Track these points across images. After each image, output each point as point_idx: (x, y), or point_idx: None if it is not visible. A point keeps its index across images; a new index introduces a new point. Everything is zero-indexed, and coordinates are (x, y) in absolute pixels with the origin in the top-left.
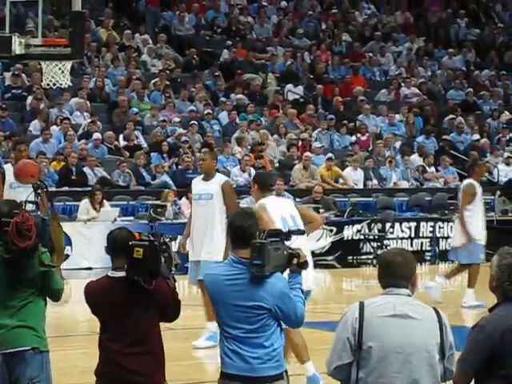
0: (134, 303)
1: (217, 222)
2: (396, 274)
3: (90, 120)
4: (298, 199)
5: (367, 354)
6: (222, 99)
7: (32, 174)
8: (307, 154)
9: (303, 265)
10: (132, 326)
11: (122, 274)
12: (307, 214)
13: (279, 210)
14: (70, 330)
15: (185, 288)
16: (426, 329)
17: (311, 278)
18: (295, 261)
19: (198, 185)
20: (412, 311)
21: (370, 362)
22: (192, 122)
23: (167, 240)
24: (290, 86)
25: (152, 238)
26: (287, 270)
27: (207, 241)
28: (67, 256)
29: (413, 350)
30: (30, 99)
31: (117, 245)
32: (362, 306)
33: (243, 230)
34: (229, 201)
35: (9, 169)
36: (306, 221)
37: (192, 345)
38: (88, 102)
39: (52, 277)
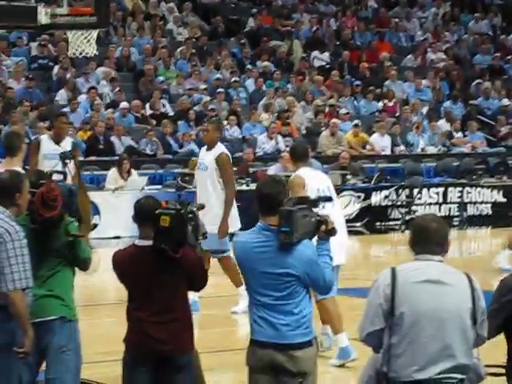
0: (160, 272)
1: (210, 194)
2: (430, 239)
3: (117, 89)
4: (325, 165)
5: (399, 319)
6: (248, 67)
7: None
8: (334, 120)
9: (331, 231)
10: (159, 294)
11: (148, 242)
12: None
13: (315, 182)
14: (99, 298)
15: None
16: (459, 294)
17: (344, 251)
18: (323, 227)
19: (201, 153)
20: (444, 277)
21: (402, 328)
22: (218, 89)
23: (194, 209)
24: (315, 53)
25: (179, 207)
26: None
27: (207, 212)
28: (95, 225)
29: (445, 315)
30: (56, 69)
31: (143, 213)
32: (394, 271)
33: (271, 198)
34: (222, 174)
35: (45, 140)
36: None
37: (232, 311)
38: (114, 71)
39: (79, 246)
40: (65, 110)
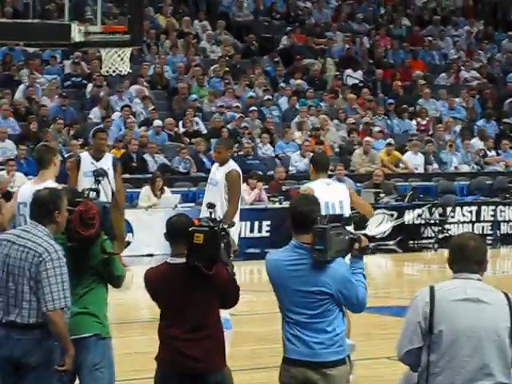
0: (193, 289)
1: (215, 210)
2: (469, 258)
3: (151, 107)
4: (358, 184)
5: (438, 337)
6: (282, 85)
7: None
8: (367, 138)
9: (365, 249)
10: (192, 312)
11: (181, 260)
12: (357, 202)
13: (325, 195)
14: (131, 316)
15: (245, 274)
16: (497, 313)
17: None
18: (357, 245)
19: (212, 169)
20: (483, 295)
21: (440, 346)
22: (251, 108)
23: (226, 226)
24: (349, 71)
25: (212, 224)
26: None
27: None
28: (128, 243)
29: (483, 333)
30: (89, 87)
31: (176, 231)
32: (432, 290)
33: (304, 216)
34: (229, 190)
35: (85, 157)
36: (356, 208)
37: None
38: (147, 89)
39: (113, 264)
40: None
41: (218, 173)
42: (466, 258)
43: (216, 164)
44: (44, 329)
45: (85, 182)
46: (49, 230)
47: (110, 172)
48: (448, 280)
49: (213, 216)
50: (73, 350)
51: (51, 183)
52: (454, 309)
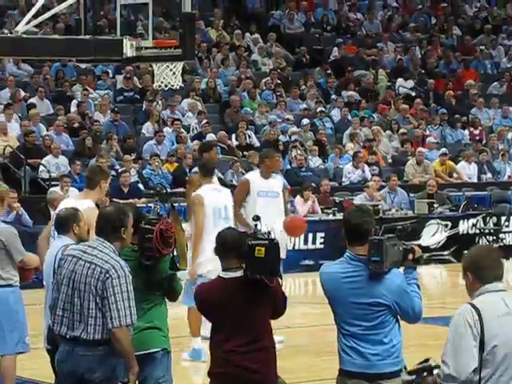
0: (251, 303)
1: (273, 221)
2: (494, 267)
3: (204, 121)
4: (411, 194)
5: (491, 354)
6: (334, 96)
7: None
8: (420, 149)
9: (418, 260)
10: (249, 325)
11: (234, 274)
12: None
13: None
14: (185, 330)
15: (300, 286)
16: None
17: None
18: (410, 256)
19: (260, 182)
20: None
21: (493, 362)
22: (305, 120)
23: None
24: (401, 81)
25: (271, 237)
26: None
27: None
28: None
29: None
30: (142, 101)
31: (228, 245)
32: (475, 307)
33: (359, 228)
34: (285, 201)
35: (255, 177)
36: None
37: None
38: (200, 103)
39: (176, 279)
40: (151, 142)
41: (274, 184)
42: (492, 267)
43: (257, 176)
44: (108, 345)
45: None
46: (114, 247)
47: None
48: (482, 295)
49: (258, 228)
50: (137, 367)
51: (90, 203)
52: (502, 324)
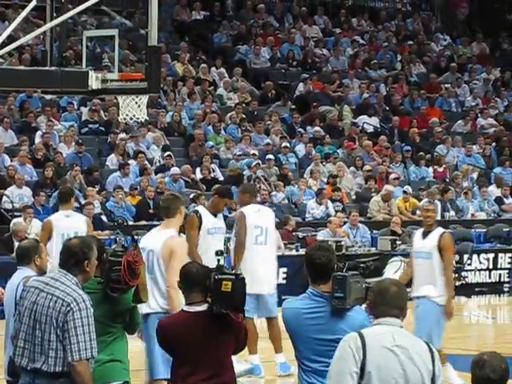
0: (214, 336)
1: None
2: (390, 303)
3: (166, 154)
4: (375, 231)
5: (368, 382)
6: (300, 130)
7: None
8: (386, 186)
9: None
10: (212, 359)
11: (199, 308)
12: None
13: None
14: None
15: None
16: (421, 359)
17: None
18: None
19: (213, 219)
20: (408, 342)
21: None
22: (269, 155)
23: (239, 273)
24: (365, 118)
25: (238, 272)
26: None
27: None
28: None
29: (411, 378)
30: (107, 134)
31: (193, 280)
32: (361, 335)
33: (322, 266)
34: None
35: (204, 213)
36: None
37: None
38: (164, 136)
39: (137, 312)
40: (115, 174)
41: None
42: (388, 302)
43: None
44: (69, 378)
45: (208, 240)
46: (77, 280)
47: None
48: (373, 326)
49: (221, 263)
50: None
51: (173, 232)
52: (384, 356)
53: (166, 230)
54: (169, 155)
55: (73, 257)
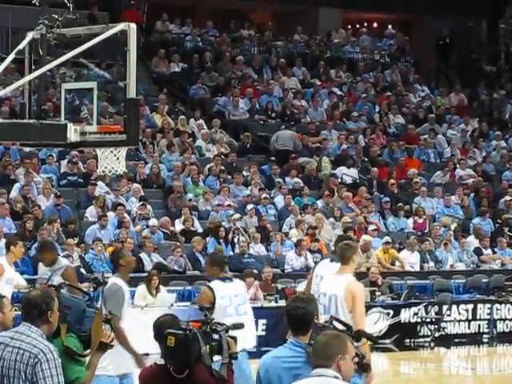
0: None
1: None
2: (317, 353)
3: (140, 203)
4: None
5: None
6: (279, 180)
7: None
8: (365, 237)
9: (365, 367)
10: None
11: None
12: None
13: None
14: None
15: None
16: None
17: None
18: (356, 359)
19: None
20: None
21: None
22: (249, 206)
23: (219, 328)
24: (344, 169)
25: (190, 327)
26: None
27: None
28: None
29: None
30: (86, 186)
31: (161, 331)
32: None
33: (303, 318)
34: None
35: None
36: None
37: None
38: (143, 188)
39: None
40: (94, 226)
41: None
42: (316, 353)
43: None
44: None
45: None
46: (42, 331)
47: None
48: (311, 377)
49: (208, 318)
50: None
51: (350, 277)
52: None
53: (341, 276)
54: (143, 204)
55: (35, 308)
